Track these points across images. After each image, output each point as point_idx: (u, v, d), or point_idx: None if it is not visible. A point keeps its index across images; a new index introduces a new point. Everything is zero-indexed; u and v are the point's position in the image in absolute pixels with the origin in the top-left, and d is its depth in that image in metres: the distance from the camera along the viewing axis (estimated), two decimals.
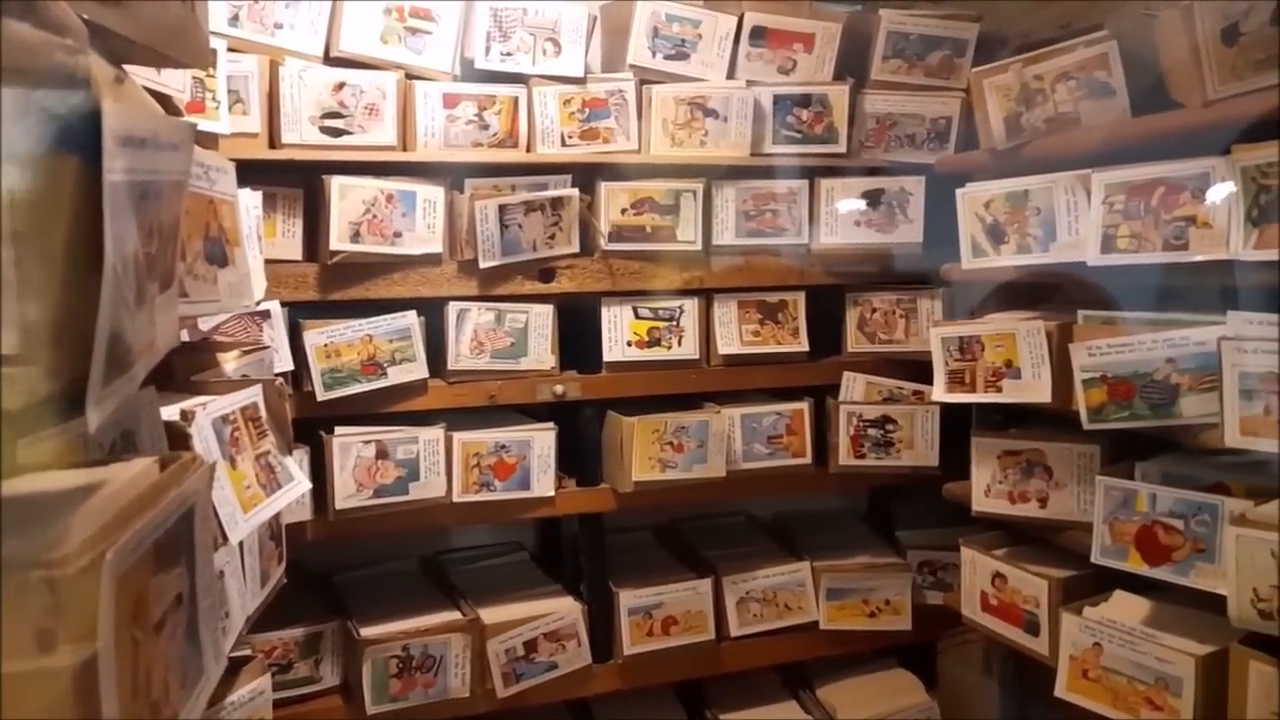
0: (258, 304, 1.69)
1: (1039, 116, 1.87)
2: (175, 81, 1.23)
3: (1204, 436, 1.55)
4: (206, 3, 1.03)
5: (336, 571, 2.39)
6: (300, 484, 1.26)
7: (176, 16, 0.94)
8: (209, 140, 1.69)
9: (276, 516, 1.60)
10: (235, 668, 1.52)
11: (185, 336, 1.66)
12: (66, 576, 0.42)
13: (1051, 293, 2.08)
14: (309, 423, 2.03)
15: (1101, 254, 1.64)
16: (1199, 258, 1.50)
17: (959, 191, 1.98)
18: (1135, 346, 1.60)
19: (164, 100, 1.24)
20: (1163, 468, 1.71)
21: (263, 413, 1.23)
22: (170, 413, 1.00)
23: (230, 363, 1.32)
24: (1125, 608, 1.76)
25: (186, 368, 1.34)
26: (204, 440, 1.02)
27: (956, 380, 1.93)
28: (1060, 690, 1.76)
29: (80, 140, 0.48)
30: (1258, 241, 1.37)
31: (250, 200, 1.49)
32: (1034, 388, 1.80)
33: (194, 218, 0.91)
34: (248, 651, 1.55)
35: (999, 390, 1.86)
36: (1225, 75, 1.49)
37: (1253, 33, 1.46)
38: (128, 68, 1.10)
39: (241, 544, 1.40)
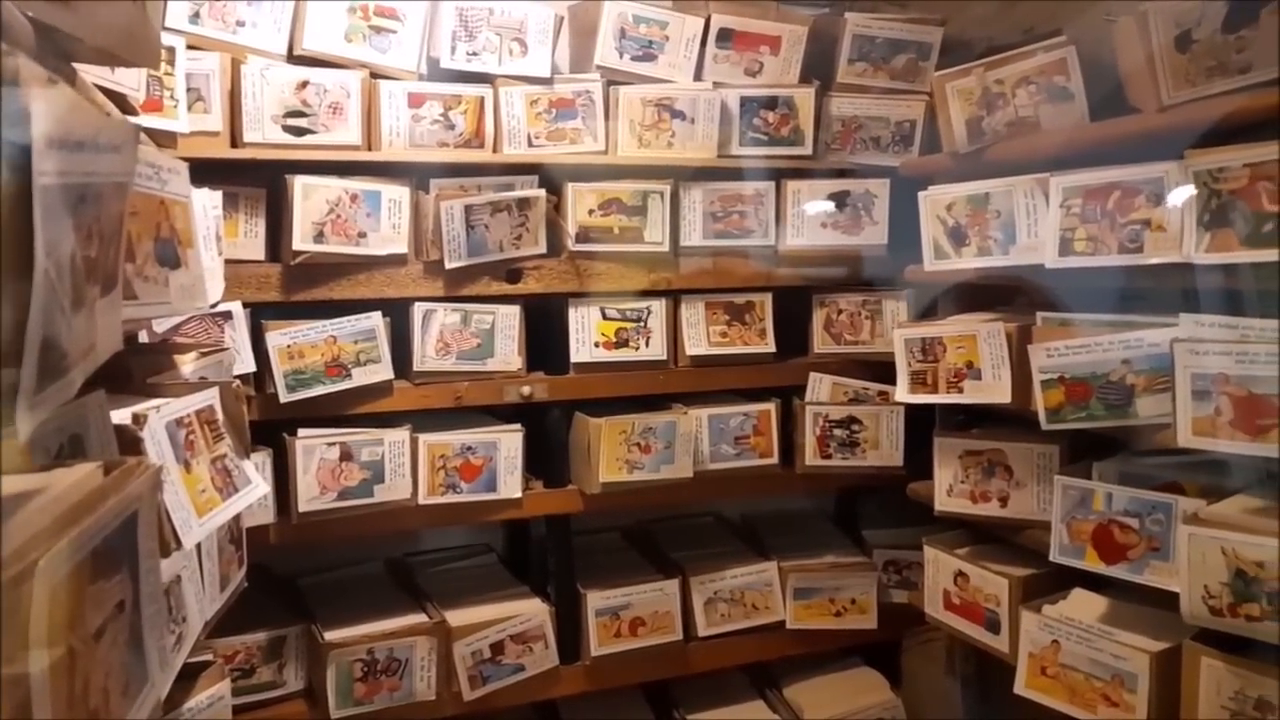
0: (216, 305, 1.67)
1: (1000, 120, 1.90)
2: (130, 80, 1.21)
3: (1159, 437, 1.58)
4: (159, 2, 1.02)
5: (301, 575, 2.37)
6: (258, 487, 1.24)
7: (127, 16, 0.92)
8: (167, 139, 1.67)
9: (237, 520, 1.59)
10: (194, 673, 1.50)
11: (144, 338, 1.64)
12: (7, 581, 0.42)
13: (1017, 294, 2.11)
14: (272, 425, 2.01)
15: (1059, 256, 1.67)
16: (1154, 260, 1.53)
17: (921, 194, 2.00)
18: (1092, 348, 1.62)
19: (118, 99, 1.22)
20: (1120, 467, 1.74)
21: (219, 415, 1.21)
22: (122, 416, 0.98)
23: (188, 365, 1.31)
24: (1084, 606, 1.79)
25: (143, 370, 1.32)
26: (156, 444, 1.01)
27: (919, 381, 1.95)
28: (1019, 687, 1.78)
29: (10, 143, 0.48)
30: (1210, 245, 1.39)
31: (209, 200, 1.47)
32: (994, 388, 1.82)
33: (144, 219, 0.90)
34: (208, 657, 1.53)
35: (960, 391, 1.88)
36: (1179, 81, 1.51)
37: (1205, 40, 1.49)
38: (81, 67, 1.09)
39: (199, 548, 1.38)
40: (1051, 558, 1.72)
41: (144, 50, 0.96)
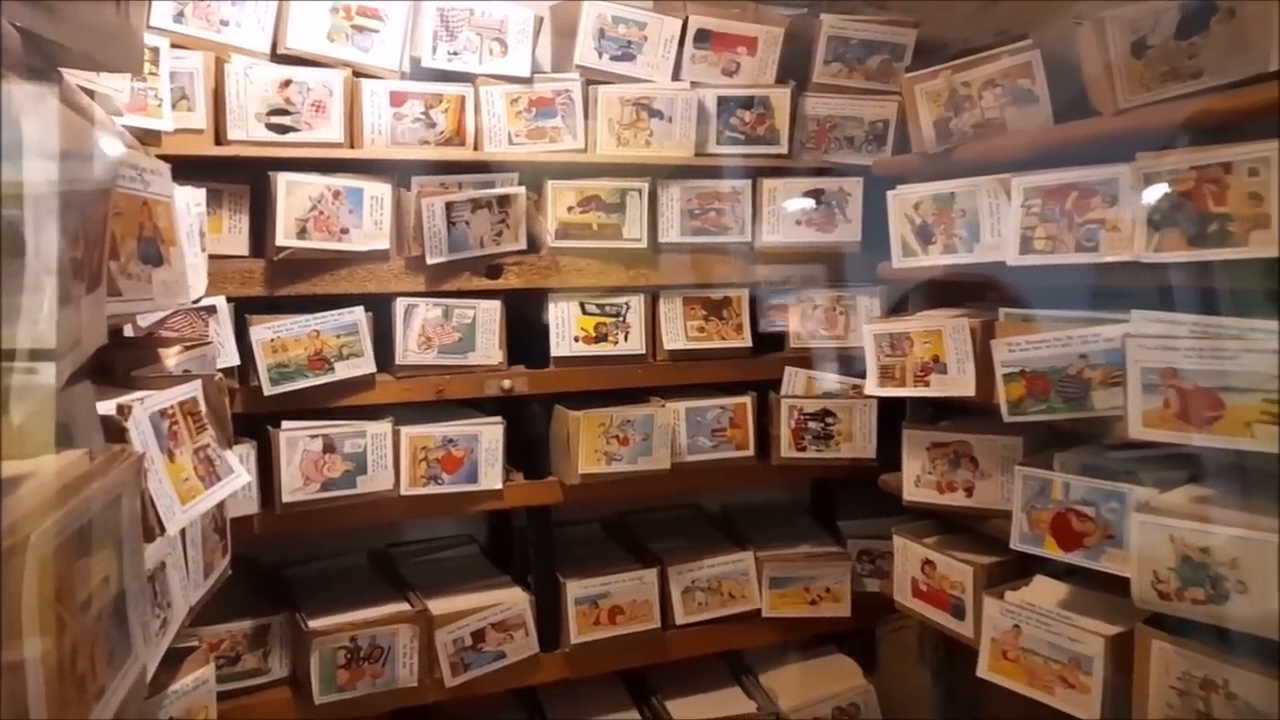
0: (200, 300, 1.71)
1: (967, 121, 1.95)
2: (115, 82, 1.25)
3: (1115, 428, 1.64)
4: (143, 6, 1.05)
5: (285, 566, 2.41)
6: (240, 477, 1.29)
7: (109, 22, 0.96)
8: (152, 137, 1.70)
9: (221, 510, 1.63)
10: (179, 658, 1.55)
11: (129, 333, 1.68)
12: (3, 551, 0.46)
13: (987, 290, 2.17)
14: (256, 418, 2.05)
15: (1020, 254, 1.72)
16: (1108, 259, 1.59)
17: (889, 194, 2.05)
18: (1051, 343, 1.68)
19: (104, 100, 1.26)
20: (1081, 458, 1.80)
21: (202, 407, 1.25)
22: (107, 407, 1.02)
23: (172, 358, 1.35)
24: (1045, 592, 1.85)
25: (127, 363, 1.36)
26: (141, 434, 1.05)
27: (888, 375, 2.00)
28: (982, 670, 1.84)
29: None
30: (1159, 244, 1.45)
31: (193, 198, 1.51)
32: (959, 382, 1.88)
33: (127, 219, 0.94)
34: (193, 643, 1.58)
35: (927, 385, 1.93)
36: (1134, 86, 1.57)
37: (1159, 46, 1.54)
38: (65, 71, 1.12)
39: (184, 535, 1.43)
40: (1012, 545, 1.78)
41: (128, 56, 1.00)
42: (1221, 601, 1.38)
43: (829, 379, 2.47)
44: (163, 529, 1.04)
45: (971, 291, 2.19)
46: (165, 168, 1.09)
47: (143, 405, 1.06)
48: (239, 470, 1.30)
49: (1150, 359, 1.42)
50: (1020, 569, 1.94)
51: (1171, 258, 1.42)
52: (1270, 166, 1.29)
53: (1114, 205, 1.58)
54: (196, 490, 1.17)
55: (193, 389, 1.23)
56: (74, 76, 1.19)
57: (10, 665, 0.46)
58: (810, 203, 2.43)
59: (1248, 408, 1.31)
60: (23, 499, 0.56)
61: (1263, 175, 1.30)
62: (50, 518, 0.53)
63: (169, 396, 1.16)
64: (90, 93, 1.23)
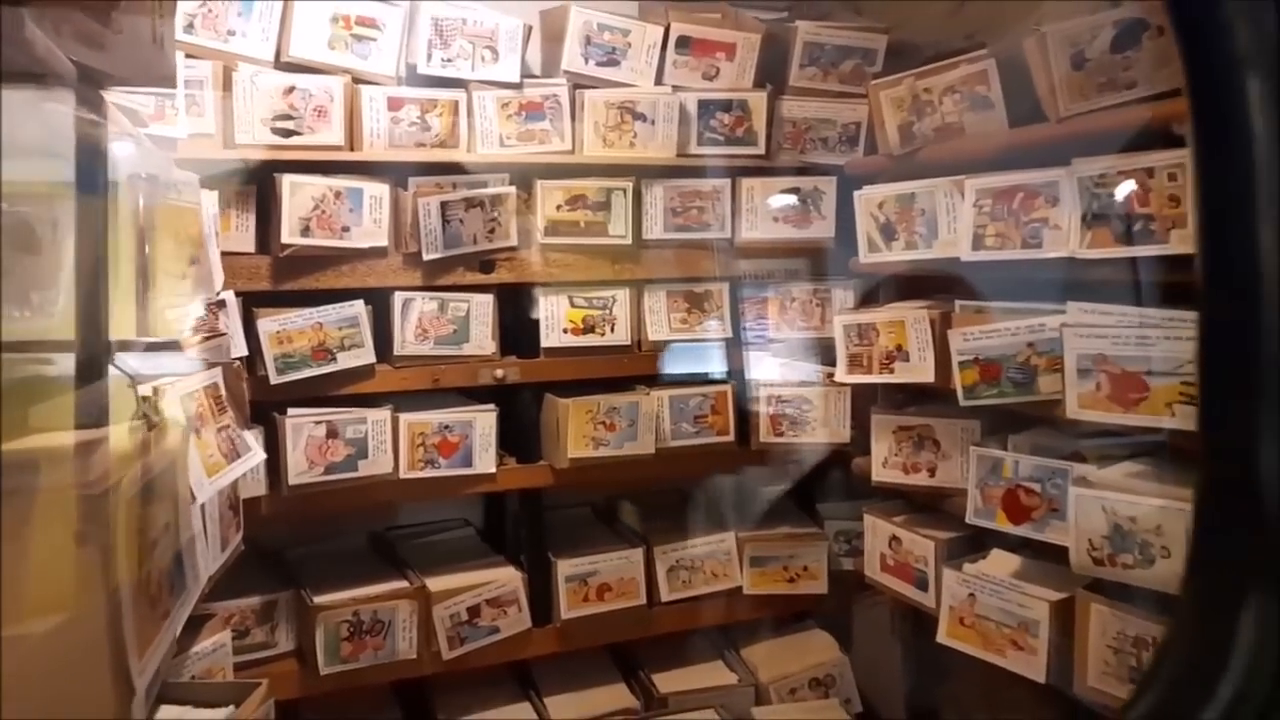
0: (217, 294, 1.83)
1: (929, 125, 2.09)
2: (143, 99, 1.38)
3: (1057, 411, 1.78)
4: (173, 26, 1.18)
5: (290, 547, 2.53)
6: (256, 454, 1.42)
7: (146, 54, 1.09)
8: (167, 144, 1.83)
9: (234, 489, 1.76)
10: (198, 625, 1.68)
11: None
12: (94, 495, 0.59)
13: (956, 283, 2.30)
14: (262, 405, 2.17)
15: (972, 251, 1.87)
16: (1050, 255, 1.73)
17: (856, 194, 2.19)
18: (1001, 333, 1.82)
19: (132, 114, 1.39)
20: (1033, 439, 1.94)
21: (223, 392, 1.38)
22: (145, 390, 1.15)
23: (193, 348, 1.48)
24: (1001, 564, 1.99)
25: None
26: (173, 414, 1.18)
27: (856, 363, 2.14)
28: (941, 636, 1.98)
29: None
30: (1091, 241, 1.59)
31: (208, 201, 1.63)
32: (920, 369, 2.02)
33: (171, 225, 1.07)
34: (211, 611, 1.72)
35: (892, 372, 2.08)
36: (1074, 96, 1.71)
37: (1095, 59, 1.68)
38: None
39: (204, 511, 1.56)
40: (967, 520, 1.92)
41: (161, 79, 1.13)
42: (1148, 565, 1.52)
43: (806, 367, 2.61)
44: (193, 497, 1.18)
45: (938, 284, 2.32)
46: (194, 178, 1.22)
47: (174, 389, 1.19)
48: (256, 448, 1.43)
49: (1084, 346, 1.56)
50: (979, 544, 2.08)
51: (1102, 254, 1.56)
52: (1187, 171, 1.43)
53: (1055, 205, 1.72)
54: (220, 465, 1.30)
55: (214, 375, 1.36)
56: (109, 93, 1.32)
57: (107, 570, 0.59)
58: (787, 200, 2.57)
59: (1168, 389, 1.45)
60: (103, 456, 0.69)
61: (1180, 179, 1.44)
62: (130, 471, 0.66)
63: (195, 382, 1.29)
64: (121, 108, 1.36)
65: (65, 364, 0.67)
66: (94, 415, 0.68)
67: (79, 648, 0.57)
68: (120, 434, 0.72)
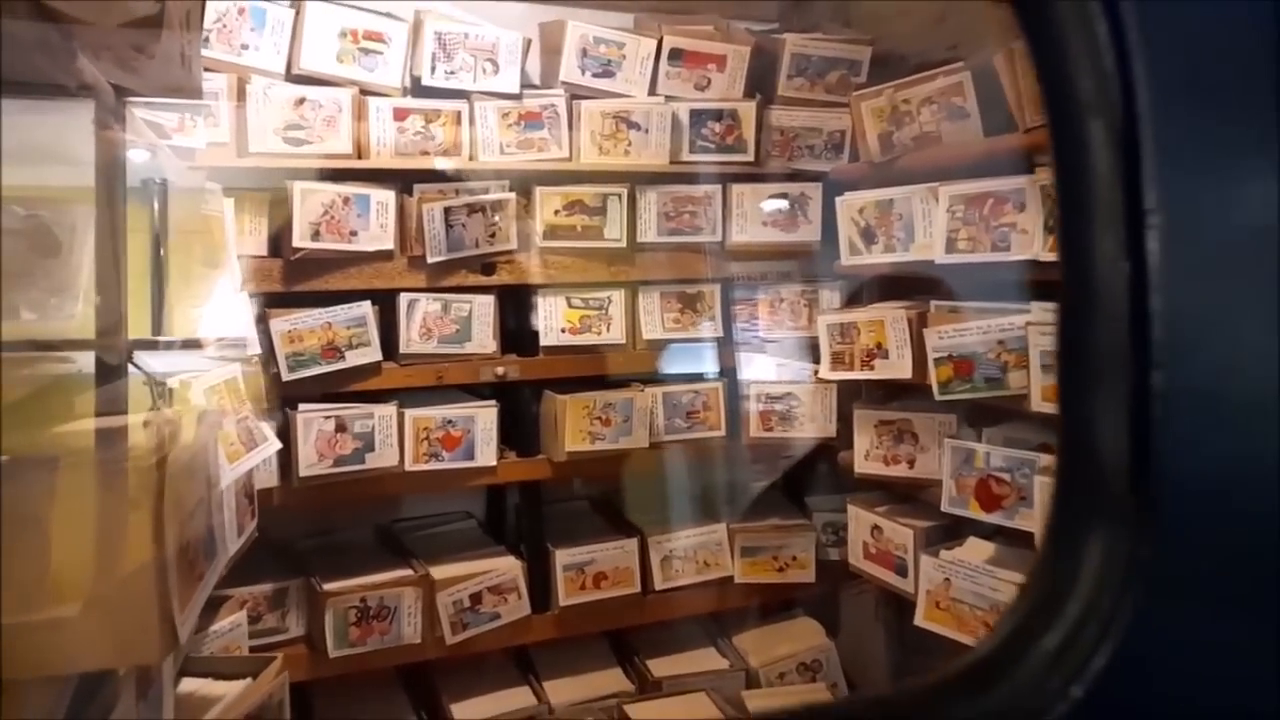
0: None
1: (907, 135, 2.19)
2: (166, 115, 1.49)
3: (1026, 404, 1.89)
4: (200, 64, 1.30)
5: (300, 539, 2.64)
6: (272, 444, 1.53)
7: (175, 74, 1.21)
8: (186, 154, 1.94)
9: (249, 479, 1.88)
10: (216, 605, 1.80)
11: None
12: (146, 467, 0.70)
13: (937, 285, 2.41)
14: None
15: (946, 254, 1.97)
16: (1017, 257, 1.83)
17: (838, 200, 2.30)
18: (974, 331, 1.93)
19: (157, 128, 1.50)
20: (1005, 432, 2.05)
21: (241, 385, 1.49)
22: (172, 383, 1.26)
23: (213, 345, 1.59)
24: (975, 550, 2.10)
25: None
26: (199, 404, 1.29)
27: (839, 360, 2.25)
28: (919, 619, 2.09)
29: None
30: (1051, 245, 1.69)
31: (225, 207, 1.75)
32: (898, 366, 2.13)
33: (203, 232, 1.17)
34: (228, 593, 1.83)
35: (872, 369, 2.18)
36: (1036, 108, 1.81)
37: None
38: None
39: (223, 498, 1.67)
40: (942, 509, 2.03)
41: (189, 95, 1.25)
42: None
43: (794, 365, 2.72)
44: (217, 483, 1.29)
45: (920, 285, 2.43)
46: (217, 187, 1.33)
47: (199, 382, 1.31)
48: (271, 438, 1.54)
49: (1046, 343, 1.67)
50: (957, 532, 2.19)
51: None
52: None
53: (1022, 211, 1.82)
54: (239, 453, 1.41)
55: (234, 370, 1.47)
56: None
57: (157, 532, 0.69)
58: (775, 205, 2.67)
59: None
60: (148, 435, 0.80)
61: None
62: (175, 449, 0.77)
63: (216, 376, 1.41)
64: (147, 122, 1.47)
65: (118, 359, 0.77)
66: (160, 395, 0.78)
67: (135, 595, 0.68)
68: (164, 418, 0.83)
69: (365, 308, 2.33)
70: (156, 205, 1.20)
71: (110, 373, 1.12)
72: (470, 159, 2.45)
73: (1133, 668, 0.49)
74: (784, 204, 2.66)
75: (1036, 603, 0.53)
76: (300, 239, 2.27)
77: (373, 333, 2.34)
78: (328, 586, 2.34)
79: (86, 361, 1.03)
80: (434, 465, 2.43)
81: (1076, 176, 0.54)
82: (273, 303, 2.29)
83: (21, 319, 0.92)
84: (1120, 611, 0.49)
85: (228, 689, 1.50)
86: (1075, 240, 0.55)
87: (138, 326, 1.19)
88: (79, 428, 0.77)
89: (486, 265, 2.47)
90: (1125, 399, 0.51)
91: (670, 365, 2.68)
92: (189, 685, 1.46)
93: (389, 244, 2.36)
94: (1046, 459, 1.84)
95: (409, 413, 2.38)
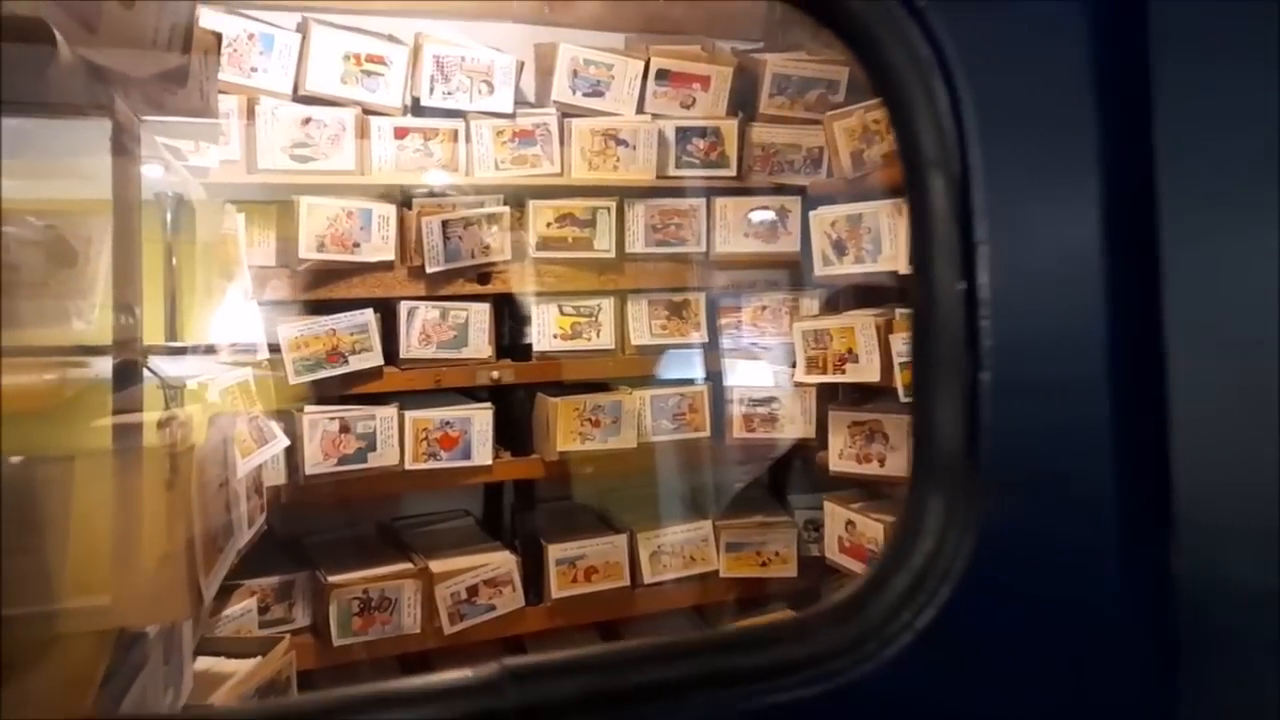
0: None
1: (877, 152, 2.33)
2: (184, 141, 1.63)
3: None
4: (216, 97, 1.44)
5: (306, 536, 2.77)
6: (281, 440, 1.67)
7: (195, 107, 1.35)
8: (200, 172, 2.08)
9: (259, 474, 2.01)
10: (228, 593, 1.94)
11: None
12: (181, 452, 0.83)
13: (904, 294, 2.54)
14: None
15: (909, 265, 2.10)
16: None
17: (811, 213, 2.43)
18: None
19: (175, 151, 1.64)
20: None
21: (252, 387, 1.63)
22: (191, 384, 1.40)
23: (225, 350, 1.73)
24: None
25: None
26: (214, 402, 1.43)
27: (813, 364, 2.39)
28: None
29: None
30: None
31: (236, 221, 1.89)
32: (868, 370, 2.26)
33: (220, 251, 1.31)
34: (238, 582, 1.96)
35: (844, 372, 2.32)
36: None
37: None
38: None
39: (240, 487, 1.81)
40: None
41: (209, 130, 1.39)
42: None
43: (775, 369, 2.85)
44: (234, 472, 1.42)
45: (893, 293, 2.57)
46: (232, 208, 1.47)
47: (214, 384, 1.44)
48: (280, 436, 1.68)
49: None
50: None
51: None
52: None
53: None
54: (251, 449, 1.55)
55: (245, 373, 1.61)
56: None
57: (184, 506, 0.83)
58: (757, 217, 2.81)
59: None
60: (177, 428, 0.94)
61: None
62: (202, 438, 0.91)
63: (229, 378, 1.54)
64: (167, 147, 1.61)
65: (156, 361, 0.91)
66: (173, 398, 0.92)
67: (169, 562, 0.81)
68: (190, 414, 0.96)
69: (368, 315, 2.47)
70: (170, 218, 1.34)
71: (128, 376, 1.26)
72: (467, 175, 2.59)
73: (969, 601, 0.63)
74: (766, 216, 2.79)
75: (893, 550, 0.66)
76: (306, 250, 2.40)
77: (375, 339, 2.47)
78: (332, 579, 2.47)
79: (104, 366, 1.16)
80: (432, 464, 2.56)
81: (923, 215, 0.68)
82: (279, 310, 2.42)
83: (41, 326, 1.04)
84: (959, 556, 0.63)
85: (239, 666, 1.64)
86: (923, 267, 0.68)
87: (153, 333, 1.33)
88: (122, 421, 0.91)
89: (482, 275, 2.60)
90: (962, 392, 0.64)
91: (658, 370, 2.81)
92: (204, 663, 1.59)
93: (390, 255, 2.49)
94: None
95: (409, 414, 2.52)
